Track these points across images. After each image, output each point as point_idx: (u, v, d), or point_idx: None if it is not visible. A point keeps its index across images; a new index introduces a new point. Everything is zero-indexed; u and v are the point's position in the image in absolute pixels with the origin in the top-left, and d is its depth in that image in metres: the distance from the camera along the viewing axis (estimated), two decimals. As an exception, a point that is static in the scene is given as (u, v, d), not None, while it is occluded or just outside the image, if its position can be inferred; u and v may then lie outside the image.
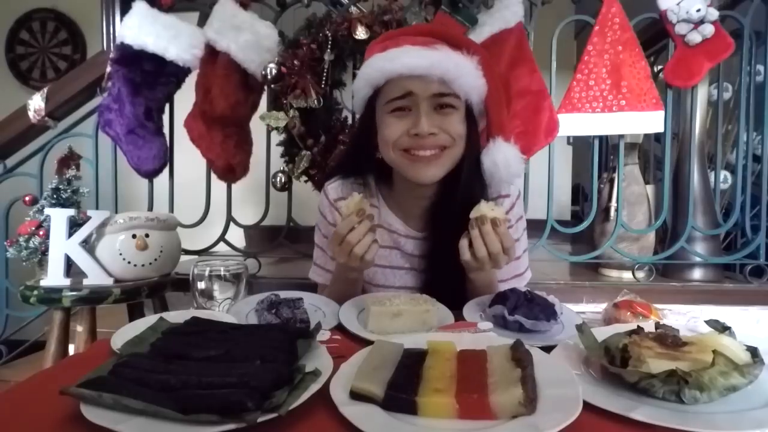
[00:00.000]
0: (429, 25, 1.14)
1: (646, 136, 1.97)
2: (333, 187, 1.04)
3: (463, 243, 0.81)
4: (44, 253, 1.31)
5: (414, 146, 0.87)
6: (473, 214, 0.82)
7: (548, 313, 0.74)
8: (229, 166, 1.63)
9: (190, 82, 1.67)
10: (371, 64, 0.89)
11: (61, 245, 1.26)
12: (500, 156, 0.91)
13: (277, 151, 1.61)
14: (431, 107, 0.86)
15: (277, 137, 1.58)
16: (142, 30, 1.54)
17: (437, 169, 0.89)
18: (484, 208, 0.81)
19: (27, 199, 1.44)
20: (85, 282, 1.27)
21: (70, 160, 1.44)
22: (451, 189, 0.92)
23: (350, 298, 0.88)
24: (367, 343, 0.64)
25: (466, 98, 0.88)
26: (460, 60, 0.86)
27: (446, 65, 0.84)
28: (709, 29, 1.57)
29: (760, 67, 1.82)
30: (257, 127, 1.64)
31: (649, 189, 1.86)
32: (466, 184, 0.91)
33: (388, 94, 0.88)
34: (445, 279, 0.94)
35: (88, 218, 1.27)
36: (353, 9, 1.60)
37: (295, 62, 1.48)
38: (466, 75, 0.86)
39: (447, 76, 0.84)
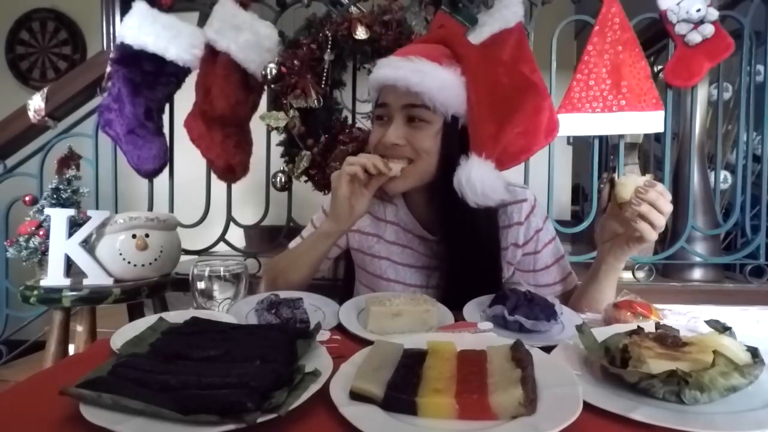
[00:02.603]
0: (442, 33, 1.10)
1: (646, 136, 1.97)
2: None
3: (645, 227, 0.76)
4: (44, 253, 1.31)
5: (386, 155, 0.89)
6: (626, 195, 0.76)
7: (548, 313, 0.74)
8: (229, 166, 1.63)
9: (190, 82, 1.67)
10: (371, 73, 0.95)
11: (61, 245, 1.26)
12: (464, 173, 0.86)
13: (277, 151, 1.61)
14: (403, 119, 0.89)
15: (277, 137, 1.58)
16: (142, 30, 1.54)
17: (399, 182, 0.90)
18: (631, 182, 0.77)
19: (27, 199, 1.44)
20: (85, 282, 1.27)
21: (70, 160, 1.44)
22: (442, 202, 0.93)
23: (310, 260, 0.96)
24: (367, 343, 0.63)
25: (443, 112, 0.87)
26: (430, 71, 0.85)
27: (410, 76, 0.84)
28: (709, 29, 1.57)
29: (760, 67, 1.82)
30: (257, 127, 1.64)
31: (649, 189, 1.86)
32: (444, 198, 0.90)
33: (379, 99, 0.93)
34: (457, 281, 0.95)
35: (88, 218, 1.27)
36: (353, 9, 1.60)
37: (295, 62, 1.48)
38: (437, 87, 0.84)
39: (412, 88, 0.84)
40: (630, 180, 0.78)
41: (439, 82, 0.85)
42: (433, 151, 0.89)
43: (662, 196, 0.76)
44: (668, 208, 0.76)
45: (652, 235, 0.77)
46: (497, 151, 0.89)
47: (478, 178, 0.85)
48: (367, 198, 0.88)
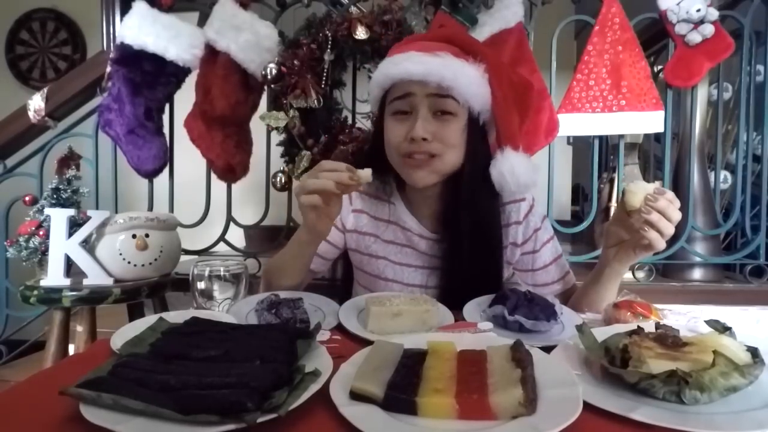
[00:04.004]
0: (446, 31, 1.12)
1: (646, 136, 1.97)
2: None
3: (654, 236, 0.75)
4: (44, 253, 1.31)
5: (411, 151, 0.88)
6: (636, 203, 0.76)
7: (548, 313, 0.74)
8: (229, 166, 1.63)
9: (190, 82, 1.67)
10: (380, 67, 0.92)
11: (61, 245, 1.26)
12: (507, 166, 0.89)
13: (277, 151, 1.61)
14: (430, 111, 0.88)
15: (277, 137, 1.58)
16: (142, 30, 1.54)
17: (427, 174, 0.90)
18: (641, 190, 0.76)
19: (27, 199, 1.43)
20: (85, 282, 1.27)
21: (70, 160, 1.44)
22: (456, 196, 0.93)
23: (297, 266, 0.94)
24: (367, 343, 0.63)
25: (469, 106, 0.88)
26: (460, 67, 0.86)
27: (443, 72, 0.84)
28: (709, 29, 1.57)
29: (760, 67, 1.82)
30: (257, 127, 1.64)
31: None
32: (468, 192, 0.91)
33: (392, 94, 0.91)
34: (457, 280, 0.94)
35: (88, 218, 1.27)
36: (353, 9, 1.60)
37: (295, 62, 1.48)
38: (466, 83, 0.86)
39: (444, 83, 0.85)
40: (640, 187, 0.77)
41: (470, 79, 0.86)
42: (461, 145, 0.89)
43: (672, 204, 0.75)
44: (677, 216, 0.75)
45: (661, 244, 0.77)
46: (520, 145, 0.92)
47: (521, 170, 0.89)
48: (339, 203, 0.84)
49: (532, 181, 0.90)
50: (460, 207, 0.92)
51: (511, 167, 0.89)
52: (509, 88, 0.91)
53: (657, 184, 0.77)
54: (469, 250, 0.92)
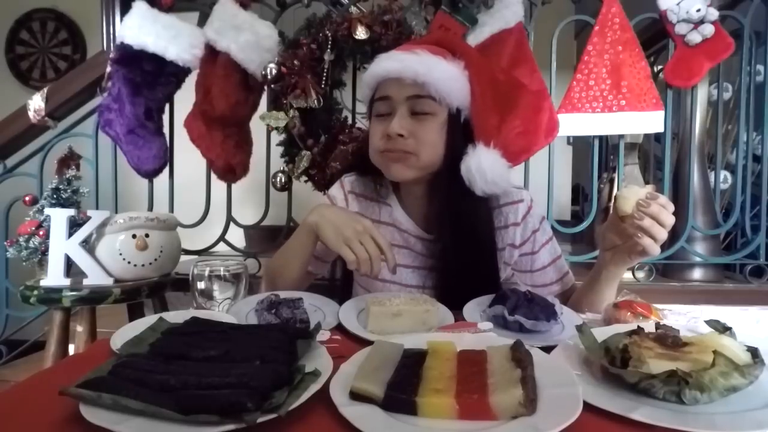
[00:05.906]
0: (436, 35, 1.11)
1: (646, 136, 1.97)
2: (350, 180, 1.07)
3: (648, 242, 0.75)
4: (44, 253, 1.31)
5: (387, 148, 0.90)
6: (628, 208, 0.75)
7: (548, 313, 0.74)
8: (229, 166, 1.63)
9: (190, 82, 1.67)
10: (368, 69, 0.94)
11: (61, 245, 1.26)
12: (474, 161, 0.88)
13: (277, 151, 1.61)
14: (408, 111, 0.89)
15: (277, 137, 1.58)
16: (142, 30, 1.54)
17: (403, 169, 0.90)
18: (633, 195, 0.75)
19: (27, 199, 1.44)
20: (85, 282, 1.27)
21: (70, 160, 1.44)
22: (443, 195, 0.93)
23: (298, 260, 0.94)
24: (367, 343, 0.63)
25: (448, 104, 0.88)
26: (436, 63, 0.86)
27: (418, 67, 0.85)
28: (709, 29, 1.57)
29: (760, 67, 1.82)
30: (257, 127, 1.64)
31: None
32: (448, 189, 0.91)
33: (376, 96, 0.93)
34: (454, 281, 0.94)
35: (88, 218, 1.27)
36: (353, 9, 1.60)
37: (295, 62, 1.48)
38: (442, 78, 0.86)
39: (419, 78, 0.85)
40: (632, 192, 0.76)
41: (445, 74, 0.86)
42: (438, 143, 0.89)
43: (664, 209, 0.74)
44: (671, 220, 0.75)
45: (656, 250, 0.76)
46: (500, 143, 0.91)
47: (488, 166, 0.87)
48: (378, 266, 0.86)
49: (500, 177, 0.88)
50: (447, 205, 0.92)
51: (478, 162, 0.87)
52: (489, 86, 0.91)
53: (650, 188, 0.76)
54: (459, 249, 0.92)
